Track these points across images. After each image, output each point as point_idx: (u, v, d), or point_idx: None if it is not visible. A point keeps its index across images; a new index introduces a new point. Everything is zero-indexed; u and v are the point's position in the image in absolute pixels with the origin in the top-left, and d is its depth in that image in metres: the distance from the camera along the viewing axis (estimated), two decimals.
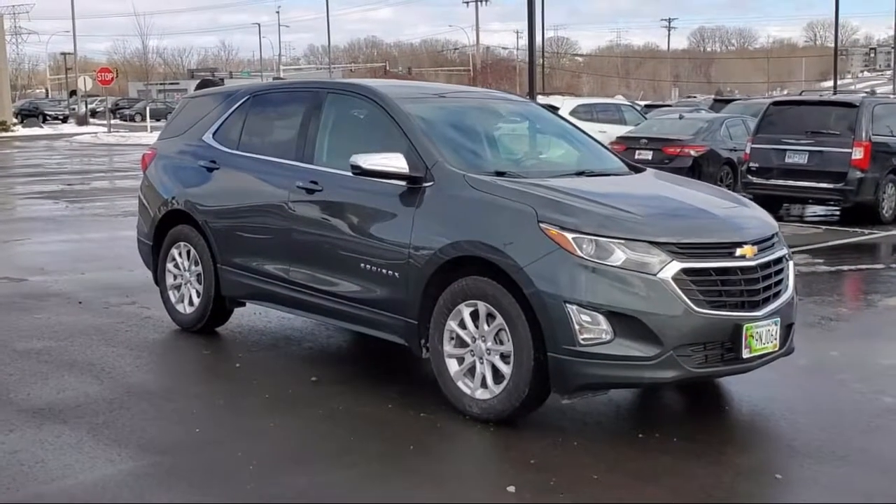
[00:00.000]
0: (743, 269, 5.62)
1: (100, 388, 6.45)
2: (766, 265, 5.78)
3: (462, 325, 5.89)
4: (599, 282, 5.38)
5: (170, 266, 8.14)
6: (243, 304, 7.89)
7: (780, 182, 16.69)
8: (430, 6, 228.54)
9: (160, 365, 7.25)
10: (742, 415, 6.19)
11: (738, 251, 5.64)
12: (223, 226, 7.54)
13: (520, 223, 5.62)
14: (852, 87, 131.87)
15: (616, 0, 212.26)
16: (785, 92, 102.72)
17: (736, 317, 5.54)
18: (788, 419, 6.01)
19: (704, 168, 18.96)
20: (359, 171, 6.24)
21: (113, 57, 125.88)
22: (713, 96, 45.86)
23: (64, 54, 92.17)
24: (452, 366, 5.95)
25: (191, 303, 7.98)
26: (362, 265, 6.41)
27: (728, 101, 35.09)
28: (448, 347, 5.97)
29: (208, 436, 5.60)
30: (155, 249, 8.28)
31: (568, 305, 5.37)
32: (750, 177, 16.94)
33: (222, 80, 78.12)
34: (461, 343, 5.92)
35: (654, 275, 5.38)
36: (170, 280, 8.17)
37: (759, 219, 6.16)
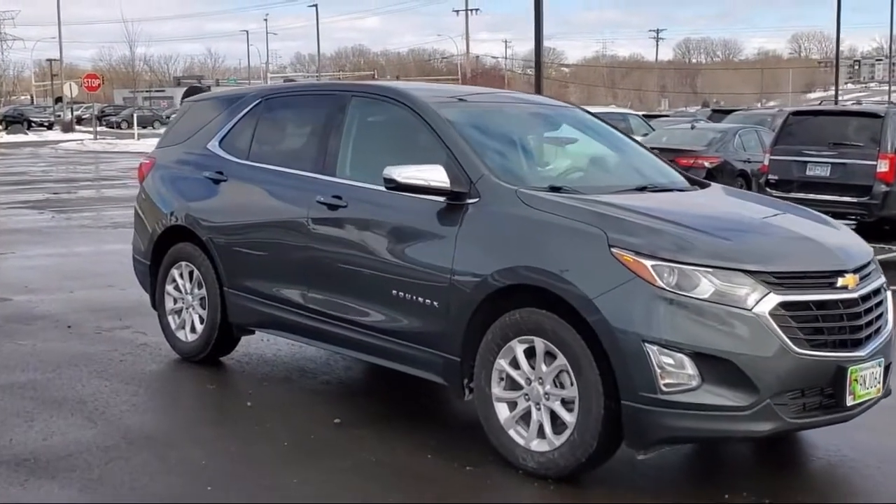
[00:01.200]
0: (845, 302, 4.85)
1: (93, 432, 5.63)
2: (867, 297, 5.01)
3: (514, 364, 5.10)
4: (684, 317, 4.59)
5: (169, 288, 7.32)
6: (252, 332, 7.07)
7: (801, 195, 15.91)
8: (418, 16, 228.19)
9: (161, 402, 6.43)
10: (833, 467, 5.40)
11: (840, 281, 4.86)
12: (231, 245, 6.73)
13: (587, 247, 4.84)
14: (840, 99, 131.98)
15: (603, 11, 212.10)
16: (771, 103, 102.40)
17: (839, 358, 4.76)
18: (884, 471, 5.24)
19: (718, 179, 18.17)
20: (393, 185, 5.44)
21: (98, 64, 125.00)
22: (699, 107, 45.24)
23: (50, 60, 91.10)
24: (502, 411, 5.16)
25: (193, 330, 7.16)
26: (394, 292, 5.61)
27: (727, 112, 34.43)
28: (497, 390, 5.17)
29: (222, 495, 4.78)
30: (153, 269, 7.47)
31: (647, 345, 4.58)
32: (769, 189, 16.20)
33: (209, 87, 77.15)
34: (513, 385, 5.12)
35: (749, 309, 4.59)
36: (169, 304, 7.35)
37: (855, 243, 5.39)
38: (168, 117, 74.41)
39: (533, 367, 5.03)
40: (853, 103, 72.66)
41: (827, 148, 15.79)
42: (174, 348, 7.31)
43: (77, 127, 63.08)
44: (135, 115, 56.63)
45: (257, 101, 7.00)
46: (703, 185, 6.26)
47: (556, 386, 4.95)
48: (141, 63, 78.56)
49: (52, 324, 8.39)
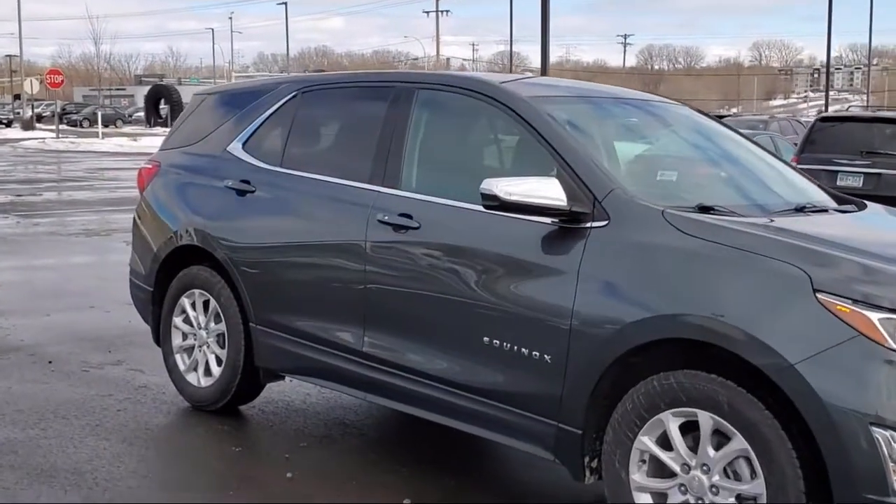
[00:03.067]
0: None
1: None
2: None
3: (665, 443, 3.86)
4: None
5: (178, 321, 6.00)
6: (281, 378, 5.77)
7: None
8: (382, 17, 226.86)
9: (177, 473, 5.13)
10: None
11: None
12: (261, 271, 5.44)
13: (782, 292, 3.61)
14: (802, 107, 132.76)
15: (566, 17, 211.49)
16: (733, 111, 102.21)
17: None
18: None
19: None
20: (495, 203, 4.18)
21: (58, 61, 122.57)
22: None
23: (9, 56, 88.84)
24: (644, 502, 3.91)
25: (208, 373, 5.86)
26: (486, 339, 4.36)
27: (720, 118, 33.54)
28: (638, 476, 3.92)
29: None
30: (156, 297, 6.15)
31: (876, 429, 3.36)
32: None
33: (173, 86, 75.27)
34: (660, 471, 3.89)
35: None
36: (177, 340, 6.03)
37: None
38: (131, 116, 72.72)
39: (693, 450, 3.78)
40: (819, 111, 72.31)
41: (859, 157, 14.74)
42: (183, 394, 6.00)
43: (37, 125, 61.13)
44: (99, 114, 54.74)
45: (292, 95, 5.69)
46: (851, 202, 5.05)
47: (728, 477, 3.71)
48: (102, 61, 76.20)
49: (28, 358, 7.04)
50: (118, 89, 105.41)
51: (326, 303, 5.15)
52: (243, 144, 5.80)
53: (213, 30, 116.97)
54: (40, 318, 8.38)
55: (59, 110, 57.80)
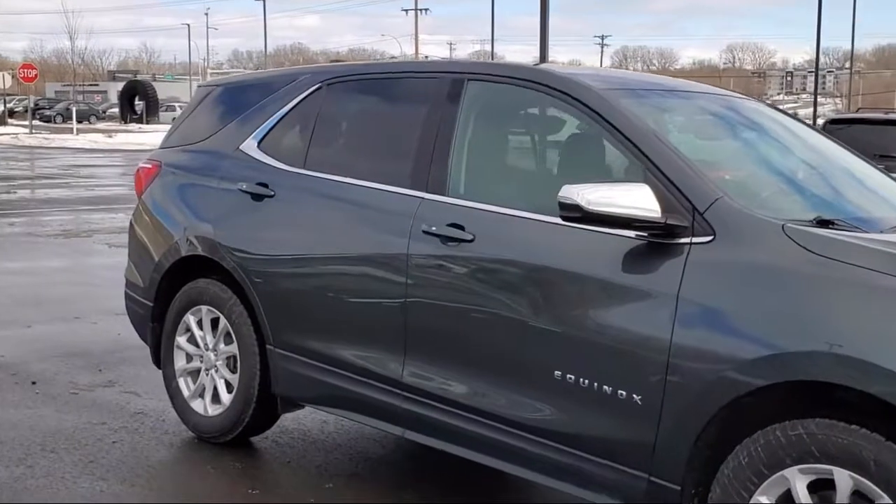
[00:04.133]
0: None
1: None
2: None
3: None
4: None
5: (181, 341, 5.32)
6: (301, 407, 5.10)
7: None
8: (358, 16, 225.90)
9: None
10: None
11: None
12: (282, 286, 4.77)
13: None
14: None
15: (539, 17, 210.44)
16: None
17: None
18: None
19: None
20: (577, 214, 3.53)
21: (30, 56, 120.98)
22: None
23: None
24: None
25: (216, 399, 5.18)
26: (558, 374, 3.71)
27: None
28: None
29: None
30: (156, 313, 5.46)
31: None
32: None
33: (149, 81, 74.22)
34: None
35: None
36: (181, 362, 5.35)
37: None
38: (105, 112, 71.60)
39: None
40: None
41: (873, 160, 14.17)
42: (186, 423, 5.32)
43: (10, 120, 59.96)
44: (74, 110, 53.67)
45: (315, 87, 5.01)
46: None
47: None
48: (76, 56, 75.04)
49: (9, 377, 6.33)
50: (91, 85, 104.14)
51: (359, 325, 4.48)
52: (259, 143, 5.12)
53: (189, 25, 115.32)
54: (21, 329, 7.66)
55: (32, 105, 56.70)
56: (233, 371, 5.10)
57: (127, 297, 5.74)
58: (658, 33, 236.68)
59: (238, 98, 5.45)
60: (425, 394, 4.21)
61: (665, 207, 3.53)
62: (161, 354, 5.47)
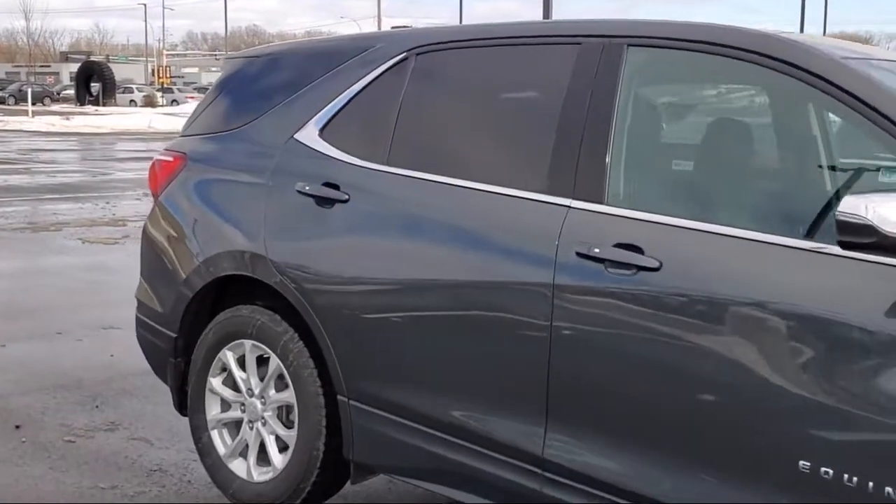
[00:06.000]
0: None
1: None
2: None
3: None
4: None
5: (216, 383, 4.14)
6: (374, 474, 3.94)
7: None
8: None
9: None
10: None
11: None
12: (362, 320, 3.63)
13: None
14: None
15: (497, 1, 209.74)
16: None
17: None
18: None
19: None
20: (869, 239, 2.41)
21: None
22: None
23: None
24: None
25: (264, 460, 4.02)
26: (806, 465, 2.62)
27: None
28: None
29: None
30: (182, 347, 4.26)
31: None
32: None
33: (105, 62, 72.17)
34: None
35: None
36: (214, 410, 4.17)
37: None
38: (59, 94, 69.53)
39: None
40: None
41: None
42: (222, 488, 4.17)
43: None
44: (29, 91, 51.74)
45: (400, 58, 3.83)
46: None
47: None
48: (28, 37, 72.81)
49: None
50: (43, 66, 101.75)
51: (478, 378, 3.34)
52: (321, 130, 3.94)
53: (145, 5, 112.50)
54: None
55: None
56: (287, 426, 3.94)
57: (140, 323, 4.55)
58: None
59: (287, 73, 4.27)
60: (577, 476, 3.09)
61: None
62: (188, 398, 4.28)
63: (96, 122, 41.37)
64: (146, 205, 14.49)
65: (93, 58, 79.05)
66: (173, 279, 4.29)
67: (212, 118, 4.46)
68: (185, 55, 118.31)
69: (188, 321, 4.25)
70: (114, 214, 13.45)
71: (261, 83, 4.34)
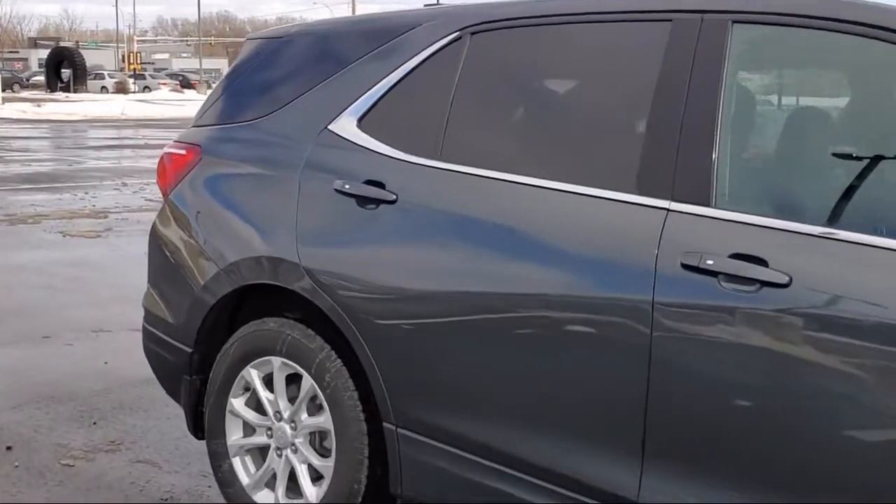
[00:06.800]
0: None
1: None
2: None
3: None
4: None
5: (238, 404, 3.68)
6: None
7: None
8: None
9: None
10: None
11: None
12: (414, 337, 3.18)
13: None
14: None
15: None
16: None
17: None
18: None
19: None
20: None
21: None
22: None
23: None
24: None
25: (295, 492, 3.56)
26: None
27: None
28: None
29: None
30: (197, 363, 3.78)
31: None
32: None
33: (75, 47, 71.07)
34: None
35: None
36: (236, 435, 3.71)
37: None
38: (28, 80, 68.49)
39: None
40: None
41: None
42: None
43: None
44: None
45: (452, 37, 3.36)
46: None
47: None
48: None
49: None
50: (11, 52, 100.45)
51: (557, 406, 2.90)
52: (359, 120, 3.47)
53: None
54: None
55: None
56: (322, 454, 3.49)
57: (148, 335, 4.07)
58: None
59: (318, 55, 3.79)
60: None
61: None
62: (206, 421, 3.80)
63: (68, 108, 40.58)
64: (126, 195, 13.96)
65: (63, 43, 77.94)
66: (188, 287, 3.81)
67: (230, 106, 3.98)
68: (155, 41, 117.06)
69: (205, 334, 3.77)
70: (94, 206, 12.89)
71: (287, 66, 3.86)
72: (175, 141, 4.09)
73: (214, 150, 3.88)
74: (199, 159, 3.89)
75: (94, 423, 4.87)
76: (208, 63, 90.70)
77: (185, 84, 66.70)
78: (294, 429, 3.55)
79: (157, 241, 4.03)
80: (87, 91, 57.77)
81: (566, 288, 2.86)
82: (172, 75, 72.78)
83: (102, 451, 4.53)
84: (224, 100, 4.04)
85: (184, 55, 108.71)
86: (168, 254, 3.96)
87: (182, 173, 3.94)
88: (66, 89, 56.97)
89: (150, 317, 4.07)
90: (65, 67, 59.15)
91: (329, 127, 3.53)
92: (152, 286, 4.07)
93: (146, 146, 23.29)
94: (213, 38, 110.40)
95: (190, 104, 47.28)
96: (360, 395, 3.35)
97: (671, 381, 2.64)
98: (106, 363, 5.82)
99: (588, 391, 2.82)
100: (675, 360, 2.63)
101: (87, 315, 6.99)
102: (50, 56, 61.68)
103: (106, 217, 11.92)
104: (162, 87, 62.94)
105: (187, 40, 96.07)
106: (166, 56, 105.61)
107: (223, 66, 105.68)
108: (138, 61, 73.58)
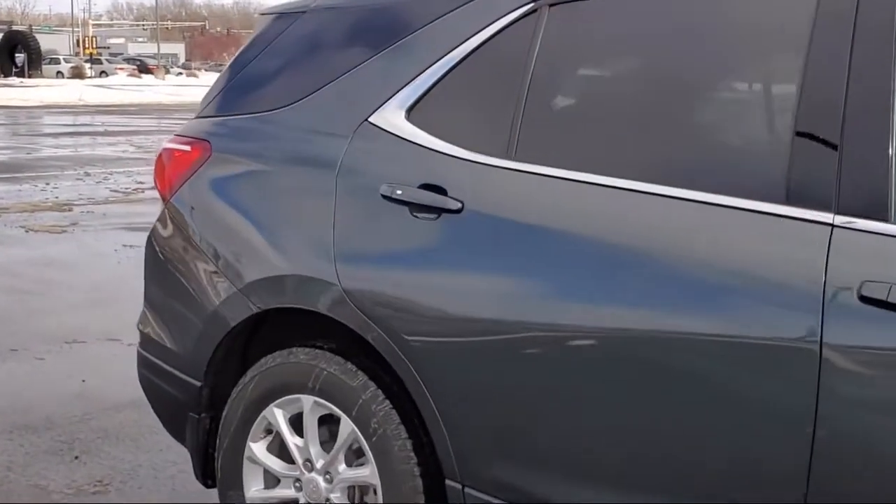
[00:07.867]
0: None
1: None
2: None
3: None
4: None
5: (257, 449, 3.07)
6: None
7: None
8: None
9: None
10: None
11: None
12: (488, 378, 2.58)
13: None
14: None
15: None
16: None
17: None
18: None
19: None
20: None
21: None
22: None
23: None
24: None
25: None
26: None
27: None
28: None
29: None
30: (209, 400, 3.17)
31: None
32: None
33: (29, 30, 69.52)
34: None
35: None
36: (255, 486, 3.11)
37: None
38: None
39: None
40: None
41: None
42: None
43: None
44: None
45: (525, 9, 2.74)
46: None
47: None
48: None
49: None
50: None
51: (681, 465, 2.32)
52: (408, 111, 2.86)
53: None
54: None
55: None
56: None
57: (145, 364, 3.44)
58: None
59: (354, 31, 3.17)
60: None
61: None
62: (217, 468, 3.19)
63: (23, 94, 39.52)
64: (89, 186, 13.26)
65: (16, 27, 76.28)
66: (196, 311, 3.20)
67: (244, 93, 3.35)
68: (111, 25, 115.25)
69: (217, 366, 3.16)
70: (56, 198, 12.17)
71: (312, 46, 3.25)
72: (176, 135, 3.46)
73: (227, 147, 3.26)
74: (208, 157, 3.26)
75: (76, 458, 4.25)
76: (165, 48, 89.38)
77: (143, 69, 65.62)
78: (329, 481, 2.95)
79: (156, 254, 3.40)
80: (42, 76, 56.53)
81: (695, 324, 2.29)
82: (129, 59, 71.51)
83: (88, 493, 3.92)
84: (235, 86, 3.41)
85: (140, 39, 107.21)
86: (171, 269, 3.33)
87: (186, 174, 3.31)
88: (20, 74, 55.68)
89: (148, 343, 3.44)
90: (19, 52, 57.79)
91: (370, 119, 2.91)
92: (151, 307, 3.44)
93: (106, 133, 22.44)
94: (169, 22, 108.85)
95: (149, 89, 46.41)
96: (413, 446, 2.75)
97: (849, 441, 2.09)
98: (83, 381, 5.22)
99: (723, 451, 2.25)
100: (854, 415, 2.10)
101: (57, 323, 6.36)
102: (3, 40, 60.21)
103: (71, 210, 11.22)
104: (119, 71, 61.84)
105: (143, 24, 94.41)
106: (122, 41, 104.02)
107: (180, 50, 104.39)
108: (94, 46, 72.23)
